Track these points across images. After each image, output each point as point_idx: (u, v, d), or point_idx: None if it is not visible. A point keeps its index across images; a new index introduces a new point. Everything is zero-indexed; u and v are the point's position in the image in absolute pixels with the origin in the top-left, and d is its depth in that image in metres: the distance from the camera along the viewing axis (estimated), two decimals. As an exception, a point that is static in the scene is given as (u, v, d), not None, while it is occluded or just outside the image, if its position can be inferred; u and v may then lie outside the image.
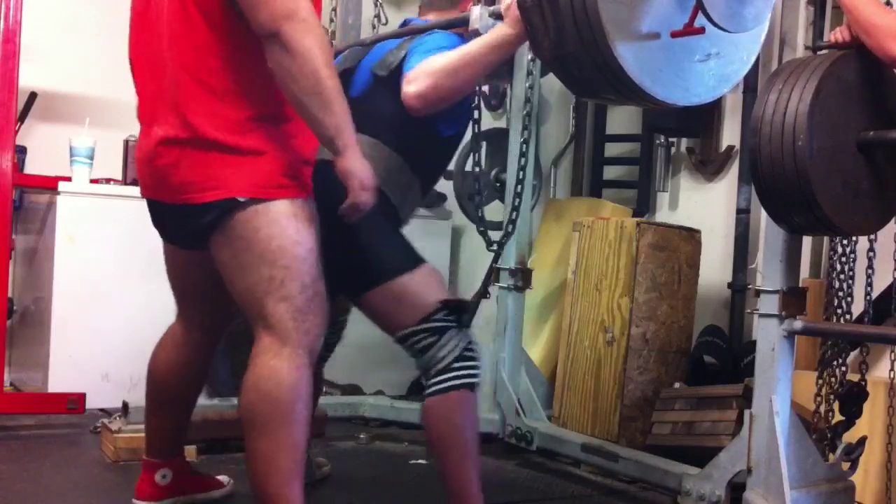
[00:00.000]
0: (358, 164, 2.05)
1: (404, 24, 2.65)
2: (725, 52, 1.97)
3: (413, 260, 2.29)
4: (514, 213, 3.32)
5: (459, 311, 2.28)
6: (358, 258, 2.26)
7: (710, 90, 2.03)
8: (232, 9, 1.99)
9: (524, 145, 3.33)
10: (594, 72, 1.87)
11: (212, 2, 2.01)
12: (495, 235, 3.34)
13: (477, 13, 2.36)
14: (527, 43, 3.26)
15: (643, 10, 1.82)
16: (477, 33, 2.34)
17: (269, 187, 2.04)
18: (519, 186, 3.34)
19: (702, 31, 1.84)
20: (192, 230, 2.12)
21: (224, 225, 2.05)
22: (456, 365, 2.23)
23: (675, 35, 1.84)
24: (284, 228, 2.03)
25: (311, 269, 2.06)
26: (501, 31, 2.15)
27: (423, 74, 2.15)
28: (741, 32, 1.95)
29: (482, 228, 3.30)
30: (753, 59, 2.05)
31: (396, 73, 2.29)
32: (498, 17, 2.27)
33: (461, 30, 2.43)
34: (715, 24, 1.84)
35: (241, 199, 2.02)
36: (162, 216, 2.24)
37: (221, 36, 2.02)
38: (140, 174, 2.24)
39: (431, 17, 2.54)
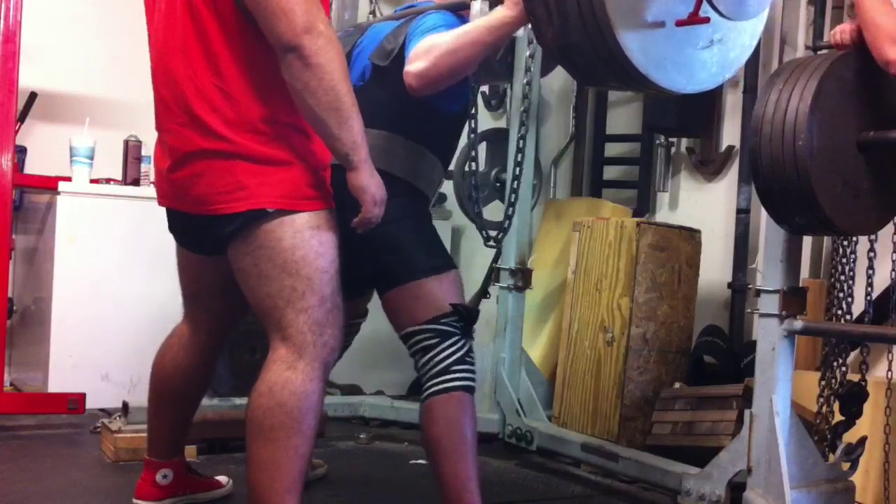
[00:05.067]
0: (371, 181, 2.05)
1: (404, 8, 2.63)
2: (728, 37, 1.96)
3: (439, 264, 2.32)
4: (511, 209, 3.31)
5: (467, 320, 2.30)
6: (385, 260, 2.29)
7: (713, 77, 2.02)
8: (247, 19, 1.97)
9: (521, 141, 3.32)
10: (598, 61, 1.86)
11: (227, 12, 1.99)
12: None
13: (477, 8, 2.35)
14: (528, 44, 3.29)
15: None
16: None
17: (295, 198, 2.03)
18: (516, 182, 3.33)
19: (707, 20, 1.82)
20: (213, 238, 2.11)
21: (247, 233, 2.04)
22: (455, 367, 2.26)
23: (679, 24, 1.83)
24: (308, 240, 2.03)
25: (331, 282, 2.06)
26: (501, 13, 2.14)
27: (422, 53, 2.14)
28: (745, 21, 1.94)
29: (480, 225, 3.28)
30: (755, 44, 2.03)
31: (398, 60, 2.27)
32: (498, 2, 2.25)
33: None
34: (720, 13, 1.83)
35: (270, 210, 2.01)
36: (180, 224, 2.24)
37: (238, 45, 2.00)
38: (158, 183, 2.23)
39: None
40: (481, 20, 2.17)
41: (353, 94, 1.99)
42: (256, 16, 1.94)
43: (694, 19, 1.81)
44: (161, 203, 2.23)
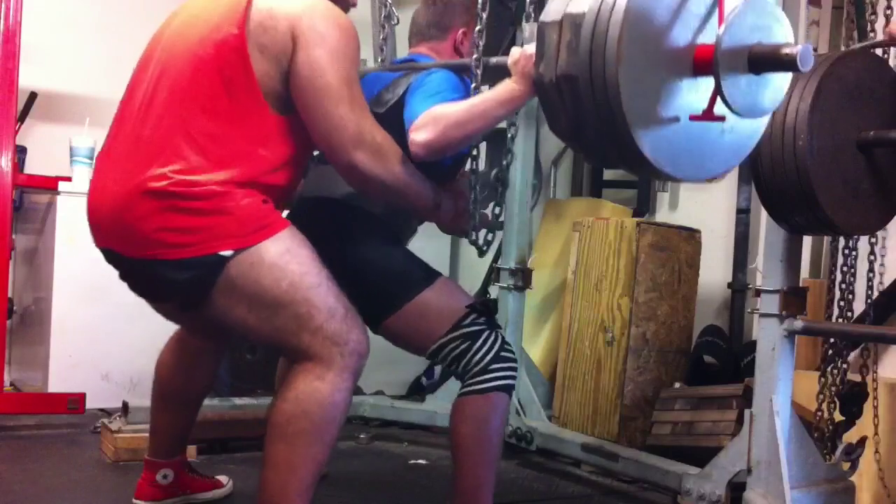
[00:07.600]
0: (449, 215, 2.28)
1: (405, 60, 2.60)
2: (739, 124, 1.92)
3: (427, 275, 2.29)
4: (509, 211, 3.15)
5: (487, 313, 2.29)
6: (373, 287, 2.26)
7: (724, 163, 1.97)
8: (256, 85, 1.96)
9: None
10: (613, 151, 1.84)
11: (238, 72, 1.97)
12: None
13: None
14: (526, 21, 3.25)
15: (664, 95, 1.77)
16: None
17: (250, 234, 1.96)
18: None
19: (722, 118, 1.79)
20: (166, 285, 2.01)
21: (224, 285, 1.98)
22: (493, 366, 2.23)
23: (693, 119, 1.80)
24: (286, 266, 1.98)
25: (330, 290, 2.03)
26: (510, 86, 2.10)
27: (429, 122, 2.08)
28: (760, 118, 1.91)
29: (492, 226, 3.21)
30: (765, 126, 2.00)
31: (395, 109, 2.25)
32: (504, 70, 2.22)
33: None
34: (735, 113, 1.79)
35: (227, 254, 1.95)
36: (126, 269, 2.12)
37: (233, 105, 1.97)
38: (94, 223, 2.08)
39: (423, 50, 2.50)
40: (490, 93, 2.13)
41: (414, 170, 2.09)
42: (307, 123, 2.00)
43: (709, 116, 1.79)
44: (99, 244, 2.10)
